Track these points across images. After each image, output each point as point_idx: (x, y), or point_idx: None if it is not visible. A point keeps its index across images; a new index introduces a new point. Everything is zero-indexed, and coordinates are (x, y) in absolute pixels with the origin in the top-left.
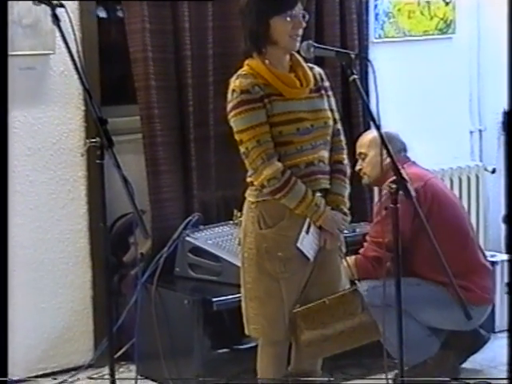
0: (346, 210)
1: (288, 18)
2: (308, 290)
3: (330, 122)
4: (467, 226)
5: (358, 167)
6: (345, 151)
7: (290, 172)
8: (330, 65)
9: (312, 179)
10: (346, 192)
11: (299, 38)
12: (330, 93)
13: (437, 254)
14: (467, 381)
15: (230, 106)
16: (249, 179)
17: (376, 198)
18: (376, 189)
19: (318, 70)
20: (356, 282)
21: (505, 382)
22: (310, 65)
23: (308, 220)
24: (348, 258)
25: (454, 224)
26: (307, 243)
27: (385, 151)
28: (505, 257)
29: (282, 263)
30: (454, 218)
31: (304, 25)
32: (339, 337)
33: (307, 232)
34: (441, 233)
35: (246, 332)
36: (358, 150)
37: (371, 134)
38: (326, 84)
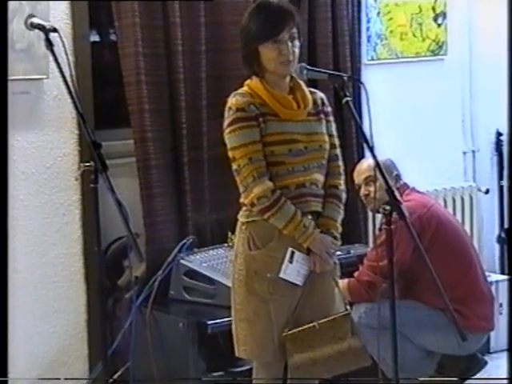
0: (336, 234)
1: (273, 45)
2: (299, 312)
3: (326, 146)
4: (470, 252)
5: (364, 192)
6: (342, 177)
7: (279, 192)
8: (324, 87)
9: (302, 201)
10: (339, 217)
11: (291, 63)
12: (331, 118)
13: (434, 280)
14: (467, 381)
15: (225, 123)
16: (241, 200)
17: (371, 220)
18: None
19: (320, 94)
20: (348, 306)
21: (505, 381)
22: (313, 89)
23: (290, 249)
24: (341, 280)
25: (457, 250)
26: (292, 271)
27: (388, 175)
28: (499, 277)
29: (271, 284)
30: (457, 244)
31: (297, 47)
32: (327, 361)
33: (290, 261)
34: (444, 259)
35: (236, 353)
36: (364, 175)
37: (368, 160)
38: (327, 109)
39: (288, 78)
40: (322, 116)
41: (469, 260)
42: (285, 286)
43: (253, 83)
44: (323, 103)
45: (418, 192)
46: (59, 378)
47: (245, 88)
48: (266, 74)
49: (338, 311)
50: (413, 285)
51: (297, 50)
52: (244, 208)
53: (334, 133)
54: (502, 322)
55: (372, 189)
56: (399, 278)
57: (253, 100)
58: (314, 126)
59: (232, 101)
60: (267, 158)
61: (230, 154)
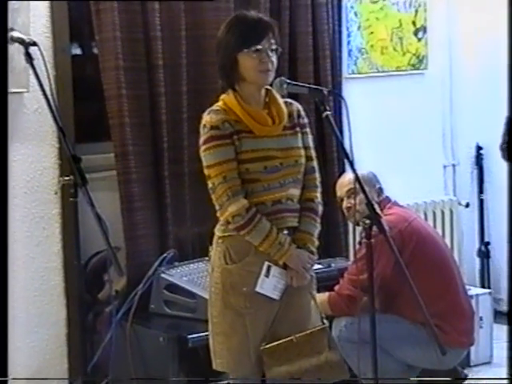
0: (312, 248)
1: (254, 53)
2: (276, 326)
3: (302, 161)
4: (451, 266)
5: (346, 205)
6: (318, 189)
7: (254, 209)
8: (304, 101)
9: (278, 217)
10: (316, 230)
11: (270, 73)
12: (307, 130)
13: (414, 294)
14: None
15: (200, 140)
16: (218, 214)
17: (351, 234)
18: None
19: (296, 106)
20: (325, 320)
21: (505, 382)
22: (289, 100)
23: (266, 263)
24: (321, 294)
25: (438, 265)
26: (268, 286)
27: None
28: (479, 290)
29: (247, 299)
30: (437, 258)
31: (275, 58)
32: (305, 374)
33: (267, 275)
34: (424, 273)
35: (214, 366)
36: (346, 188)
37: (350, 174)
38: (303, 121)
39: (263, 92)
40: (298, 129)
41: (449, 274)
42: (261, 301)
43: (228, 99)
44: (299, 115)
45: (399, 206)
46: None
47: (220, 104)
48: (242, 86)
49: (314, 325)
50: (393, 299)
51: (275, 61)
52: (220, 222)
53: (311, 145)
54: (482, 335)
55: (356, 201)
56: (380, 292)
57: (227, 117)
58: (290, 140)
59: (207, 118)
60: (242, 175)
61: (206, 171)
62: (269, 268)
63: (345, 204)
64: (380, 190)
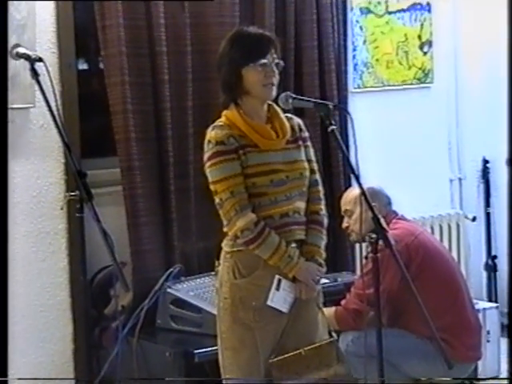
0: (321, 260)
1: (259, 67)
2: (284, 340)
3: (306, 173)
4: (458, 280)
5: (344, 224)
6: (322, 202)
7: (263, 223)
8: (310, 115)
9: (286, 230)
10: (322, 243)
11: (274, 87)
12: (309, 143)
13: (421, 308)
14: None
15: (205, 156)
16: (225, 229)
17: (358, 248)
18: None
19: (296, 120)
20: (333, 333)
21: (505, 382)
22: (289, 115)
23: (277, 277)
24: (328, 308)
25: (444, 279)
26: (278, 299)
27: (378, 202)
28: (487, 304)
29: (257, 313)
30: (444, 272)
31: (277, 73)
32: None
33: (277, 289)
34: (431, 287)
35: (223, 382)
36: (344, 207)
37: (355, 190)
38: (305, 134)
39: (266, 107)
40: (301, 142)
41: (456, 288)
42: (270, 314)
43: (231, 114)
44: (300, 129)
45: (406, 220)
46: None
47: (223, 119)
48: (245, 101)
49: (322, 338)
50: (400, 313)
51: (278, 76)
52: (228, 237)
53: (313, 158)
54: (489, 349)
55: (351, 221)
56: (387, 307)
57: (232, 132)
58: (294, 153)
59: (211, 134)
60: (249, 189)
61: (212, 187)
62: (279, 281)
63: (344, 223)
64: (388, 204)
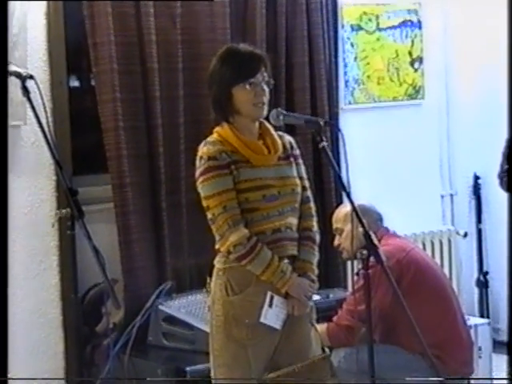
0: (313, 276)
1: (249, 87)
2: (277, 356)
3: (298, 189)
4: (450, 296)
5: (336, 242)
6: (314, 218)
7: (255, 238)
8: (301, 131)
9: (279, 245)
10: (315, 259)
11: (265, 106)
12: (300, 161)
13: (413, 324)
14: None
15: (197, 172)
16: (217, 246)
17: (350, 264)
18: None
19: (288, 138)
20: (326, 349)
21: (505, 381)
22: (280, 133)
23: (269, 293)
24: (320, 324)
25: (436, 295)
26: (271, 316)
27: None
28: (478, 320)
29: (250, 330)
30: (436, 288)
31: (268, 91)
32: None
33: (270, 305)
34: (423, 303)
35: None
36: (334, 226)
37: (346, 208)
38: (296, 152)
39: (257, 124)
40: (292, 159)
41: (448, 304)
42: (263, 331)
43: (222, 130)
44: (292, 147)
45: (397, 236)
46: None
47: (215, 136)
48: (237, 119)
49: (315, 354)
50: (392, 329)
51: (268, 95)
52: (220, 254)
53: (304, 175)
54: (481, 365)
55: (342, 239)
56: (379, 323)
57: (224, 148)
58: (286, 170)
59: (203, 150)
60: (241, 204)
61: (204, 203)
62: (272, 298)
63: (335, 241)
64: (379, 220)
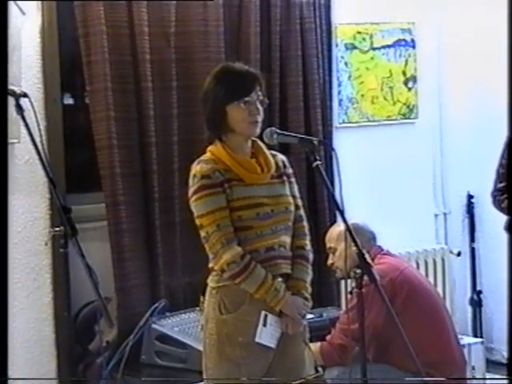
0: (307, 295)
1: (243, 105)
2: (270, 375)
3: (291, 208)
4: (443, 315)
5: (329, 261)
6: (307, 237)
7: (249, 256)
8: (295, 150)
9: (272, 264)
10: (308, 277)
11: (258, 124)
12: (293, 179)
13: (406, 343)
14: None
15: (190, 190)
16: (210, 265)
17: (343, 283)
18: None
19: (280, 157)
20: (319, 368)
21: (505, 382)
22: (273, 152)
23: (263, 312)
24: (314, 344)
25: (430, 314)
26: (266, 335)
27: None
28: (472, 340)
29: (243, 349)
30: (429, 307)
31: (262, 110)
32: None
33: (264, 325)
34: (416, 322)
35: None
36: (328, 245)
37: (339, 227)
38: (289, 171)
39: (250, 142)
40: (285, 178)
41: (441, 323)
42: (257, 350)
43: (216, 149)
44: (285, 166)
45: (391, 255)
46: None
47: (208, 154)
48: (230, 137)
49: (308, 373)
50: (385, 348)
51: (262, 113)
52: (214, 273)
53: (297, 194)
54: None
55: (336, 258)
56: (372, 342)
57: (217, 166)
58: (279, 188)
59: (196, 168)
60: (235, 223)
61: (198, 221)
62: (266, 317)
63: (329, 260)
64: (373, 240)
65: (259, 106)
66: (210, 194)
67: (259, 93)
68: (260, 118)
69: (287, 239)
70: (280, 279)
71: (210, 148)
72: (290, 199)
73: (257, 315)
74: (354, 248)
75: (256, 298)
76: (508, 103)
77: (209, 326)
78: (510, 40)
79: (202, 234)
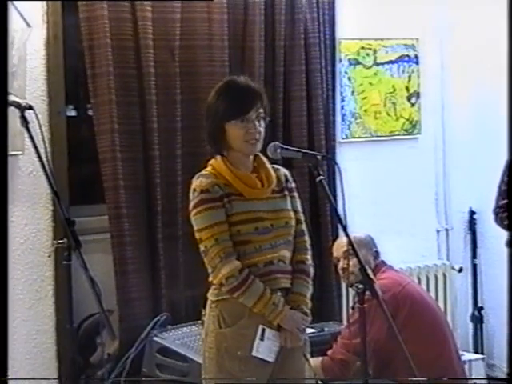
0: (306, 309)
1: (241, 123)
2: None
3: (292, 222)
4: (445, 331)
5: (342, 266)
6: (309, 252)
7: (247, 270)
8: (298, 165)
9: (271, 278)
10: (308, 292)
11: (257, 142)
12: (295, 194)
13: (408, 359)
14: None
15: (191, 205)
16: (210, 278)
17: (345, 297)
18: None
19: (283, 171)
20: (319, 382)
21: (505, 382)
22: (276, 166)
23: (261, 326)
24: (315, 358)
25: (431, 329)
26: (264, 349)
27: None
28: (473, 356)
29: (242, 362)
30: (431, 323)
31: (262, 127)
32: None
33: (262, 339)
34: (418, 337)
35: None
36: (344, 248)
37: (355, 234)
38: (291, 185)
39: (252, 157)
40: (287, 192)
41: (443, 339)
42: (256, 364)
43: (216, 163)
44: (287, 180)
45: (394, 270)
46: None
47: (208, 168)
48: (230, 153)
49: None
50: (387, 363)
51: (263, 130)
52: (213, 286)
53: (299, 208)
54: None
55: (351, 263)
56: (373, 357)
57: (217, 181)
58: (279, 203)
59: (196, 182)
60: (234, 237)
61: (197, 235)
62: (263, 331)
63: (341, 264)
64: (376, 254)
65: (258, 124)
66: (209, 208)
67: (260, 110)
68: (259, 136)
69: (287, 253)
70: (279, 293)
71: (211, 162)
72: (291, 214)
73: (256, 329)
74: (377, 261)
75: (255, 312)
76: (508, 120)
77: (208, 340)
78: (511, 45)
79: (201, 247)
